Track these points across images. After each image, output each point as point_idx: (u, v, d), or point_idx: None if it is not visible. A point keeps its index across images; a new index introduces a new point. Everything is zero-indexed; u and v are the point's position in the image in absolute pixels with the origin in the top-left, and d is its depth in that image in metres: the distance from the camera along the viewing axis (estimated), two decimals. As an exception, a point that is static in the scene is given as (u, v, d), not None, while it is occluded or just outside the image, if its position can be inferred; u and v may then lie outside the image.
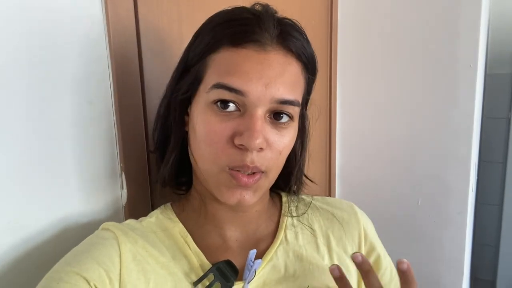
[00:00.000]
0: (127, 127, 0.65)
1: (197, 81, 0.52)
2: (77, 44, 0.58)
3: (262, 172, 0.51)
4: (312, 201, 0.66)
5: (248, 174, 0.50)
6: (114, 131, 0.64)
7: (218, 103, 0.49)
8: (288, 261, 0.58)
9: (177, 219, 0.58)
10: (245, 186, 0.50)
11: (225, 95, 0.48)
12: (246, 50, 0.48)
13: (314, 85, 0.58)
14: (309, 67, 0.54)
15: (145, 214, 0.62)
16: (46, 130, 0.56)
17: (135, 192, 0.67)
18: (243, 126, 0.48)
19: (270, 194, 0.65)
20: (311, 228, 0.63)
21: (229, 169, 0.50)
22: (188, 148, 0.56)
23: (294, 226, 0.62)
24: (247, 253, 0.55)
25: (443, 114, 1.13)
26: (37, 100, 0.54)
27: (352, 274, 0.61)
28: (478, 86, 1.09)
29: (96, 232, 0.55)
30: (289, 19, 0.53)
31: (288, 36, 0.50)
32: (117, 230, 0.53)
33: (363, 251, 0.63)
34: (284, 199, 0.66)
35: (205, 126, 0.50)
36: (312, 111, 0.62)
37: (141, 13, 0.66)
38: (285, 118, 0.51)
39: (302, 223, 0.63)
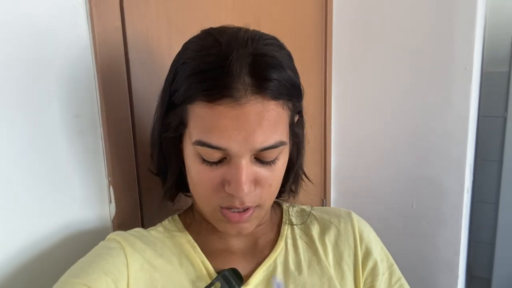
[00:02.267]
0: (115, 140, 0.64)
1: (182, 126, 0.53)
2: (62, 57, 0.57)
3: (256, 206, 0.54)
4: (311, 211, 0.68)
5: (240, 212, 0.52)
6: (101, 145, 0.63)
7: (204, 158, 0.51)
8: (288, 268, 0.59)
9: (184, 229, 0.60)
10: (239, 222, 0.53)
11: (208, 152, 0.49)
12: (221, 107, 0.47)
13: (302, 101, 0.57)
14: (292, 96, 0.52)
15: (136, 227, 0.61)
16: (33, 143, 0.55)
17: (124, 206, 0.66)
18: (230, 176, 0.50)
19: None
20: (310, 236, 0.64)
21: (220, 208, 0.53)
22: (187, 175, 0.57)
23: (293, 235, 0.64)
24: (250, 259, 0.59)
25: (438, 116, 1.12)
26: (23, 112, 0.54)
27: (348, 279, 0.62)
28: (473, 87, 1.09)
29: (102, 242, 0.56)
30: (265, 54, 0.49)
31: (263, 82, 0.48)
32: (123, 240, 0.54)
33: (359, 256, 0.63)
34: (284, 208, 0.68)
35: (195, 174, 0.52)
36: (308, 116, 0.62)
37: (128, 23, 0.65)
38: (271, 159, 0.52)
39: (301, 230, 0.64)
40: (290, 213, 0.67)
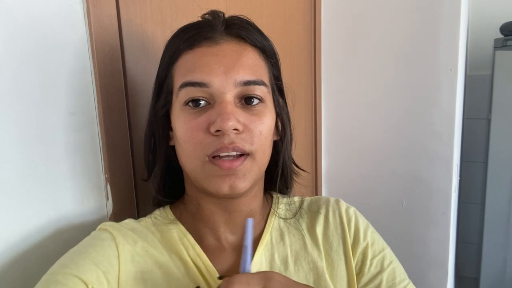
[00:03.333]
0: (111, 137, 0.65)
1: (169, 93, 0.55)
2: (59, 54, 0.58)
3: (247, 154, 0.52)
4: (304, 203, 0.66)
5: (231, 159, 0.51)
6: (98, 142, 0.64)
7: (190, 103, 0.52)
8: (274, 263, 0.58)
9: (176, 220, 0.59)
10: (230, 171, 0.51)
11: (192, 91, 0.51)
12: (201, 48, 0.52)
13: (280, 69, 0.61)
14: (267, 51, 0.57)
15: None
16: (30, 139, 0.55)
17: (120, 203, 0.67)
18: (215, 114, 0.50)
19: (264, 195, 0.64)
20: (298, 229, 0.62)
21: (209, 158, 0.51)
22: (178, 157, 0.57)
23: (280, 227, 0.62)
24: (238, 254, 0.56)
25: (425, 117, 1.15)
26: (21, 110, 0.54)
27: (340, 269, 0.60)
28: (458, 88, 1.12)
29: (93, 233, 0.55)
30: (238, 16, 0.57)
31: (236, 26, 0.55)
32: (115, 230, 0.54)
33: (349, 242, 0.61)
34: (274, 198, 0.66)
35: (182, 127, 0.53)
36: (297, 104, 0.64)
37: (124, 21, 0.66)
38: (255, 101, 0.53)
39: (289, 224, 0.63)
40: (280, 206, 0.65)
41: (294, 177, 0.65)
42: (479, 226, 1.78)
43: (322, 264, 0.59)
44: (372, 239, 0.63)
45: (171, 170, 0.59)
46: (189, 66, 0.52)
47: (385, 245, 0.64)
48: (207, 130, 0.51)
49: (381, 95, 1.20)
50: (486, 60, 1.78)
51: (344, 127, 1.27)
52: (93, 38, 0.61)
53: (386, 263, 0.62)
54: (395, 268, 0.62)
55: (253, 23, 0.58)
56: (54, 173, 0.59)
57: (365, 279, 0.60)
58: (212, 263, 0.54)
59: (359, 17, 1.21)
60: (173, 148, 0.58)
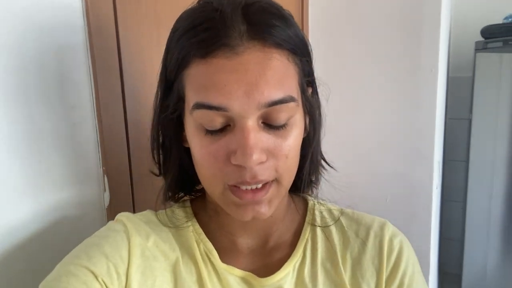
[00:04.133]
0: (108, 131, 0.67)
1: (181, 100, 0.48)
2: (59, 51, 0.60)
3: (272, 181, 0.46)
4: (340, 215, 0.59)
5: (254, 189, 0.45)
6: (96, 135, 0.67)
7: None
8: (303, 278, 0.53)
9: (193, 217, 0.56)
10: (254, 201, 0.46)
11: (208, 114, 0.43)
12: (217, 60, 0.42)
13: (312, 64, 0.52)
14: (297, 49, 0.46)
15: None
16: (30, 133, 0.58)
17: (117, 194, 0.69)
18: (235, 143, 0.43)
19: (293, 197, 0.59)
20: (332, 244, 0.55)
21: (229, 186, 0.46)
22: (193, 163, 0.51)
23: (314, 239, 0.56)
24: (258, 260, 0.53)
25: (407, 116, 1.19)
26: (23, 103, 0.56)
27: None
28: (439, 89, 1.17)
29: (109, 223, 0.54)
30: (259, 1, 0.45)
31: (260, 26, 0.43)
32: (129, 223, 0.52)
33: (383, 278, 0.53)
34: (310, 205, 0.59)
35: (199, 150, 0.46)
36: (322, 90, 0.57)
37: (121, 19, 0.69)
38: (282, 121, 0.45)
39: (324, 235, 0.56)
40: (316, 213, 0.58)
41: (322, 174, 0.58)
42: (461, 223, 1.82)
43: None
44: (411, 281, 0.54)
45: (186, 169, 0.53)
46: (203, 83, 0.43)
47: (424, 283, 0.56)
48: (227, 158, 0.44)
49: (364, 95, 1.24)
50: (467, 62, 1.83)
51: (328, 125, 1.30)
52: (92, 36, 0.64)
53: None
54: None
55: (278, 9, 0.46)
56: (53, 165, 0.61)
57: None
58: (224, 265, 0.52)
59: (343, 19, 1.24)
60: (186, 148, 0.52)
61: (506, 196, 1.69)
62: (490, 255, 1.74)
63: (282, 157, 0.45)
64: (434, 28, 1.13)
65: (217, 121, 0.44)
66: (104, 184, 0.68)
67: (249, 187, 0.45)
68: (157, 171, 0.56)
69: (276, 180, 0.46)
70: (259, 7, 0.45)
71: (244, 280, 0.52)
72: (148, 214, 0.56)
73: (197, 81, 0.44)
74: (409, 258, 0.55)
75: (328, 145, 1.32)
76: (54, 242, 0.61)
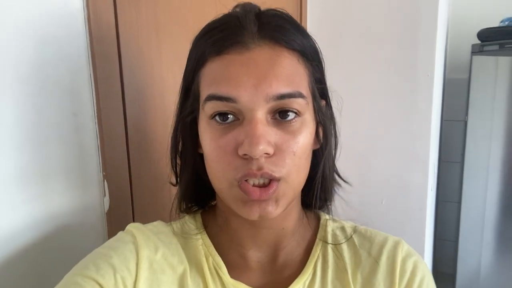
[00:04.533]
0: (108, 136, 0.68)
1: (196, 100, 0.50)
2: (61, 59, 0.61)
3: (278, 179, 0.46)
4: (353, 233, 0.58)
5: (262, 187, 0.46)
6: (96, 141, 0.68)
7: (216, 117, 0.46)
8: None
9: (203, 229, 0.56)
10: (261, 200, 0.46)
11: (218, 105, 0.45)
12: (229, 55, 0.45)
13: (324, 70, 0.53)
14: (308, 53, 0.49)
15: (127, 220, 0.65)
16: (32, 139, 0.58)
17: (116, 199, 0.70)
18: (243, 134, 0.44)
19: (306, 213, 0.58)
20: (343, 262, 0.54)
21: (237, 182, 0.46)
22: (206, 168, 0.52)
23: (325, 256, 0.55)
24: (267, 276, 0.53)
25: (403, 119, 1.21)
26: (28, 110, 0.57)
27: None
28: (435, 93, 1.18)
29: (119, 233, 0.54)
30: (273, 9, 0.49)
31: (270, 26, 0.46)
32: (139, 234, 0.52)
33: None
34: (322, 220, 0.59)
35: (209, 144, 0.47)
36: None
37: (121, 26, 0.70)
38: (291, 115, 0.46)
39: (334, 253, 0.55)
40: (328, 229, 0.57)
41: (336, 190, 0.58)
42: (456, 223, 1.84)
43: None
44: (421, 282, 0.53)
45: (201, 177, 0.54)
46: (215, 76, 0.46)
47: None
48: (235, 151, 0.45)
49: (361, 98, 1.26)
50: (463, 64, 1.85)
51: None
52: (93, 44, 0.65)
53: None
54: None
55: (291, 18, 0.49)
56: (55, 170, 0.62)
57: None
58: (232, 280, 0.51)
59: (341, 23, 1.26)
60: (201, 155, 0.53)
61: (501, 198, 1.71)
62: (484, 255, 1.76)
63: (290, 153, 0.46)
64: (430, 33, 1.14)
65: (229, 115, 0.46)
66: (104, 188, 0.69)
67: (256, 182, 0.46)
68: (173, 181, 0.57)
69: (283, 179, 0.46)
70: (272, 12, 0.49)
71: None
72: (159, 225, 0.56)
73: (210, 76, 0.46)
74: (423, 280, 0.53)
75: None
76: (55, 246, 0.62)
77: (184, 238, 0.54)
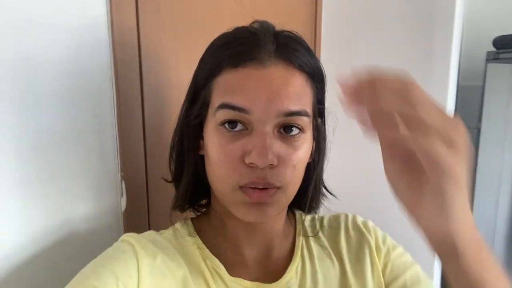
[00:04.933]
0: (127, 139, 0.70)
1: (205, 106, 0.52)
2: (84, 66, 0.63)
3: (278, 188, 0.50)
4: (324, 220, 0.66)
5: (261, 189, 0.49)
6: (115, 143, 0.69)
7: (226, 124, 0.49)
8: (305, 283, 0.57)
9: (196, 235, 0.58)
10: (260, 202, 0.50)
11: (230, 114, 0.48)
12: (246, 69, 0.48)
13: (325, 93, 0.57)
14: (315, 76, 0.53)
15: (143, 220, 0.66)
16: (55, 140, 0.60)
17: (133, 200, 0.72)
18: (252, 144, 0.48)
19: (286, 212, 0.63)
20: (324, 247, 0.61)
21: (240, 187, 0.49)
22: (206, 169, 0.56)
23: (308, 246, 0.61)
24: (263, 269, 0.57)
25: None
26: (47, 113, 0.59)
27: (367, 279, 0.59)
28: (449, 100, 1.18)
29: (115, 244, 0.55)
30: (288, 31, 0.54)
31: (286, 48, 0.50)
32: (136, 243, 0.53)
33: (374, 249, 0.61)
34: (298, 216, 0.65)
35: (216, 149, 0.50)
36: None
37: (142, 31, 0.71)
38: (295, 131, 0.50)
39: (315, 243, 0.62)
40: (305, 224, 0.64)
41: (322, 200, 0.63)
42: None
43: (349, 279, 0.59)
44: (393, 245, 0.63)
45: (198, 178, 0.57)
46: (230, 87, 0.49)
47: (405, 251, 0.63)
48: (242, 158, 0.48)
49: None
50: (478, 72, 1.83)
51: (340, 135, 1.31)
52: (115, 48, 0.66)
53: (408, 264, 0.61)
54: (419, 269, 0.61)
55: (303, 41, 0.54)
56: (75, 171, 0.64)
57: (389, 279, 0.59)
58: (232, 277, 0.54)
59: (354, 26, 1.25)
60: (201, 156, 0.56)
61: (513, 206, 1.69)
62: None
63: (291, 166, 0.50)
64: (446, 39, 1.13)
65: (238, 123, 0.49)
66: (122, 189, 0.70)
67: (257, 187, 0.49)
68: (169, 178, 0.59)
69: (282, 188, 0.50)
70: (287, 34, 0.53)
71: None
72: (152, 234, 0.57)
73: (225, 85, 0.50)
74: (381, 231, 0.64)
75: (338, 150, 1.33)
76: (72, 246, 0.63)
77: (179, 244, 0.56)
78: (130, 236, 0.55)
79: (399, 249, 0.63)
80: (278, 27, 0.54)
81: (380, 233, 0.64)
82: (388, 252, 0.61)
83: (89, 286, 0.46)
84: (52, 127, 0.59)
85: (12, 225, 0.56)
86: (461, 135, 0.36)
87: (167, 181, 0.60)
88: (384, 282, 0.59)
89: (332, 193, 0.64)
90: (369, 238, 0.62)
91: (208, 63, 0.52)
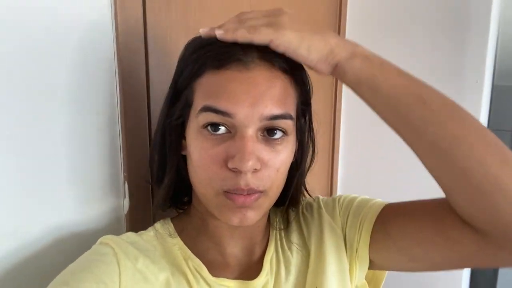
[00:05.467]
0: (131, 137, 0.67)
1: (187, 107, 0.52)
2: (86, 57, 0.60)
3: (261, 192, 0.50)
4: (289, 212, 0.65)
5: (245, 194, 0.49)
6: (119, 141, 0.66)
7: (208, 127, 0.49)
8: (280, 274, 0.58)
9: (177, 235, 0.58)
10: (243, 205, 0.50)
11: (213, 117, 0.48)
12: (230, 72, 0.48)
13: (310, 95, 0.57)
14: (298, 78, 0.53)
15: (146, 222, 0.63)
16: (53, 139, 0.57)
17: (136, 201, 0.69)
18: (235, 149, 0.47)
19: None
20: (294, 236, 0.62)
21: (224, 191, 0.50)
22: (188, 170, 0.56)
23: (279, 238, 0.62)
24: (244, 268, 0.57)
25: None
26: (45, 109, 0.56)
27: (344, 262, 0.59)
28: (484, 101, 1.10)
29: (94, 247, 0.54)
30: None
31: (270, 53, 0.49)
32: (116, 245, 0.52)
33: (346, 229, 0.61)
34: (270, 209, 0.64)
35: (198, 152, 0.50)
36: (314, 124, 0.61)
37: (150, 25, 0.68)
38: (278, 134, 0.50)
39: (288, 233, 0.63)
40: (276, 217, 0.64)
41: (302, 201, 0.64)
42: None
43: (311, 265, 0.59)
44: (339, 198, 0.64)
45: (180, 178, 0.57)
46: (213, 89, 0.48)
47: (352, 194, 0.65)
48: (224, 163, 0.48)
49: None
50: (515, 71, 1.73)
51: (363, 138, 1.26)
52: (119, 42, 0.63)
53: (354, 198, 0.63)
54: (364, 197, 0.63)
55: None
56: (76, 171, 0.61)
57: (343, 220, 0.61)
58: (214, 278, 0.54)
59: (383, 27, 1.19)
60: (184, 156, 0.56)
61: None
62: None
63: (274, 170, 0.50)
64: (482, 37, 1.06)
65: (221, 126, 0.49)
66: (125, 190, 0.67)
67: (240, 193, 0.49)
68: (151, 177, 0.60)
69: (265, 192, 0.51)
70: None
71: (236, 287, 0.55)
72: (132, 235, 0.56)
73: (208, 88, 0.49)
74: (329, 199, 0.65)
75: (364, 154, 1.27)
76: (74, 248, 0.61)
77: (160, 245, 0.56)
78: (109, 239, 0.53)
79: (346, 196, 0.64)
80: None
81: (330, 203, 0.64)
82: (339, 212, 0.62)
83: None
84: (53, 124, 0.57)
85: (11, 226, 0.54)
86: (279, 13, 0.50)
87: (148, 182, 0.61)
88: (345, 228, 0.61)
89: (310, 194, 0.64)
90: (338, 217, 0.62)
91: (190, 63, 0.51)
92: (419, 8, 1.13)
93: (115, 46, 0.63)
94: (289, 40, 0.48)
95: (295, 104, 0.53)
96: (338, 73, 0.51)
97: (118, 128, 0.65)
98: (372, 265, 0.61)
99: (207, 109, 0.48)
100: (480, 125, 0.47)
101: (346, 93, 1.26)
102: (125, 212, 0.68)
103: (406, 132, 0.50)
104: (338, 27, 1.20)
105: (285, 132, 0.51)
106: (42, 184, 0.57)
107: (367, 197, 0.63)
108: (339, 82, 1.25)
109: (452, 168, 0.46)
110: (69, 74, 0.58)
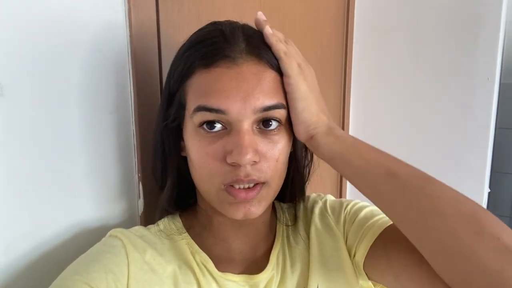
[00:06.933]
0: (146, 137, 0.66)
1: (181, 108, 0.53)
2: (100, 55, 0.59)
3: (263, 183, 0.51)
4: (302, 205, 0.66)
5: (247, 188, 0.50)
6: (133, 141, 0.65)
7: (204, 126, 0.50)
8: (286, 270, 0.58)
9: (184, 230, 0.59)
10: (246, 199, 0.50)
11: (208, 116, 0.49)
12: (219, 69, 0.49)
13: None
14: (279, 69, 0.53)
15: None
16: (67, 138, 0.57)
17: (151, 202, 0.68)
18: (232, 144, 0.48)
19: None
20: (300, 232, 0.63)
21: (224, 186, 0.50)
22: (189, 170, 0.56)
23: (287, 234, 0.62)
24: (250, 263, 0.58)
25: (459, 126, 1.12)
26: (59, 108, 0.55)
27: (345, 258, 0.59)
28: (495, 98, 1.09)
29: (103, 239, 0.55)
30: (250, 26, 0.55)
31: (256, 45, 0.51)
32: (125, 238, 0.53)
33: (345, 227, 0.61)
34: (276, 204, 0.66)
35: (197, 151, 0.51)
36: None
37: (163, 23, 0.67)
38: (274, 125, 0.51)
39: (295, 228, 0.63)
40: (283, 211, 0.65)
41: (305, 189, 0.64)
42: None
43: (329, 262, 0.59)
44: (347, 204, 0.63)
45: (182, 179, 0.58)
46: (205, 88, 0.49)
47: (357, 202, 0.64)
48: (223, 159, 0.49)
49: (413, 102, 1.18)
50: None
51: (373, 135, 1.25)
52: (133, 40, 0.62)
53: (362, 207, 0.62)
54: (373, 209, 0.61)
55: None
56: (89, 172, 0.60)
57: (347, 229, 0.60)
58: (220, 273, 0.55)
59: (392, 24, 1.19)
60: (184, 158, 0.56)
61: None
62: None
63: (273, 160, 0.51)
64: (493, 34, 1.05)
65: (216, 123, 0.49)
66: (139, 191, 0.66)
67: (242, 186, 0.50)
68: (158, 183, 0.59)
69: (267, 183, 0.52)
70: (252, 29, 0.54)
71: (242, 281, 0.56)
72: (140, 229, 0.58)
73: (199, 87, 0.50)
74: (337, 202, 0.65)
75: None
76: (84, 246, 0.60)
77: (168, 239, 0.57)
78: (118, 232, 0.55)
79: (352, 202, 0.64)
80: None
81: (337, 206, 0.64)
82: (345, 215, 0.62)
83: (79, 281, 0.46)
84: (67, 123, 0.56)
85: (29, 224, 0.53)
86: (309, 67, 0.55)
87: (160, 188, 0.59)
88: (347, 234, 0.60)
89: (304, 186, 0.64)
90: (341, 216, 0.62)
91: (179, 65, 0.52)
92: (429, 10, 1.12)
93: (129, 45, 0.62)
94: (299, 89, 0.51)
95: (284, 94, 0.53)
96: (311, 144, 0.54)
97: (132, 127, 0.65)
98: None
99: (200, 108, 0.49)
100: (455, 195, 0.46)
101: (355, 85, 1.26)
102: (140, 213, 0.67)
103: (378, 202, 0.51)
104: (346, 22, 1.19)
105: (280, 122, 0.52)
106: (59, 184, 0.56)
107: (376, 208, 0.61)
108: (347, 83, 1.24)
109: (425, 238, 0.45)
110: (84, 74, 0.57)
